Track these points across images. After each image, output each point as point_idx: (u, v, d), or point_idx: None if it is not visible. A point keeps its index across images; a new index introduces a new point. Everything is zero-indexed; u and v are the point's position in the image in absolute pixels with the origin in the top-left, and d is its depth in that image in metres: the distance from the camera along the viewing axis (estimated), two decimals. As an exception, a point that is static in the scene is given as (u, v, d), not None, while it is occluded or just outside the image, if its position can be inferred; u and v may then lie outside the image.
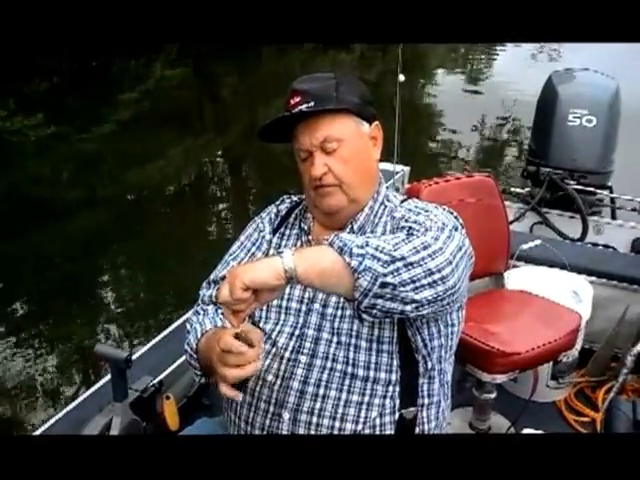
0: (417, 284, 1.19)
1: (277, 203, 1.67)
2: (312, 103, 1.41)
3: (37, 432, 1.80)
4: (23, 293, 4.69)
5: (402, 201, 1.54)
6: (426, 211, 1.41)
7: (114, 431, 1.62)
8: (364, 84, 1.55)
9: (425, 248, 1.20)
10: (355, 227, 1.48)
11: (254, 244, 1.60)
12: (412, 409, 1.43)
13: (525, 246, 2.76)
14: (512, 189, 3.91)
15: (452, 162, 7.14)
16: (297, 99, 1.43)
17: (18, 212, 5.72)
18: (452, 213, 1.44)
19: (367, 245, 1.18)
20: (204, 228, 5.73)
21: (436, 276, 1.20)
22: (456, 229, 1.32)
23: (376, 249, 1.18)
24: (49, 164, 6.89)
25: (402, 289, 1.18)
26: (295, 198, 1.66)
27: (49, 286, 4.71)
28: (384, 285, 1.17)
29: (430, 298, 1.21)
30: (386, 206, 1.52)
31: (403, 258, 1.18)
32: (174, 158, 7.05)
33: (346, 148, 1.44)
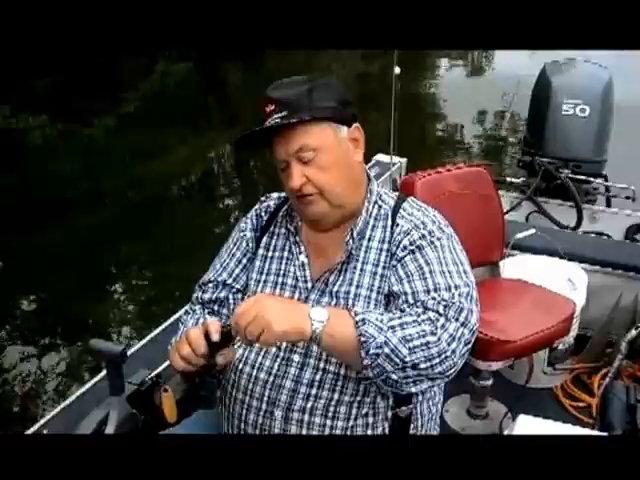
0: (419, 379, 1.29)
1: (262, 200, 1.66)
2: (285, 112, 1.39)
3: (33, 428, 1.82)
4: (31, 289, 4.73)
5: (397, 202, 1.52)
6: (433, 244, 1.41)
7: (111, 425, 1.62)
8: (341, 84, 1.50)
9: (440, 355, 1.27)
10: (355, 233, 1.47)
11: (235, 244, 1.61)
12: (406, 408, 1.44)
13: (520, 235, 2.77)
14: (508, 179, 3.92)
15: (451, 153, 7.13)
16: (271, 107, 1.41)
17: (26, 209, 5.73)
18: (458, 247, 1.45)
19: (386, 344, 1.24)
20: (211, 223, 5.73)
21: (438, 377, 1.30)
22: (471, 297, 1.36)
23: (392, 350, 1.25)
24: (55, 161, 6.88)
25: (404, 383, 1.29)
26: (283, 194, 1.64)
27: (58, 282, 4.73)
28: (388, 378, 1.27)
29: (426, 387, 1.34)
30: (380, 206, 1.51)
31: (414, 366, 1.26)
32: (180, 154, 7.03)
33: (323, 156, 1.42)
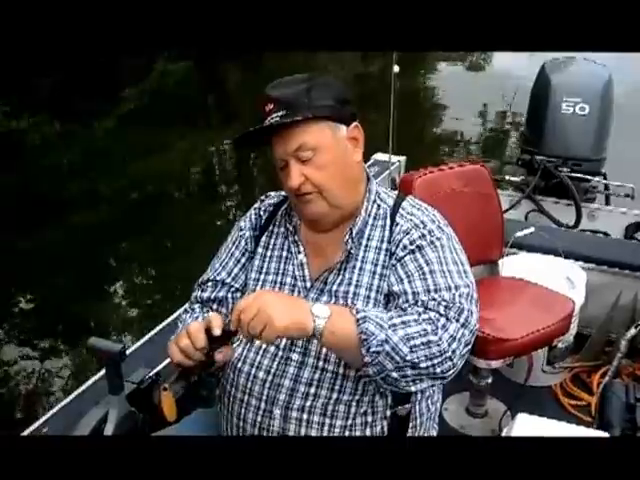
0: (418, 378, 1.29)
1: (262, 199, 1.66)
2: (284, 112, 1.39)
3: (33, 426, 1.82)
4: (31, 287, 4.74)
5: (396, 201, 1.52)
6: (433, 244, 1.41)
7: (110, 423, 1.63)
8: (340, 82, 1.50)
9: (440, 355, 1.27)
10: (354, 233, 1.47)
11: (234, 243, 1.62)
12: (405, 406, 1.44)
13: (519, 233, 2.77)
14: (507, 177, 3.92)
15: (452, 151, 7.13)
16: (270, 106, 1.41)
17: (26, 208, 5.75)
18: (457, 248, 1.45)
19: (386, 342, 1.24)
20: (211, 222, 5.74)
21: (438, 377, 1.30)
22: (471, 298, 1.37)
23: (393, 348, 1.25)
24: (55, 160, 6.88)
25: (403, 382, 1.28)
26: (282, 193, 1.64)
27: (58, 280, 4.74)
28: (387, 377, 1.27)
29: (425, 387, 1.34)
30: (379, 205, 1.51)
31: (414, 365, 1.26)
32: (180, 152, 7.04)
33: (322, 155, 1.41)
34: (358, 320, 1.26)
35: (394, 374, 1.27)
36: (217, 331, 1.28)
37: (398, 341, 1.25)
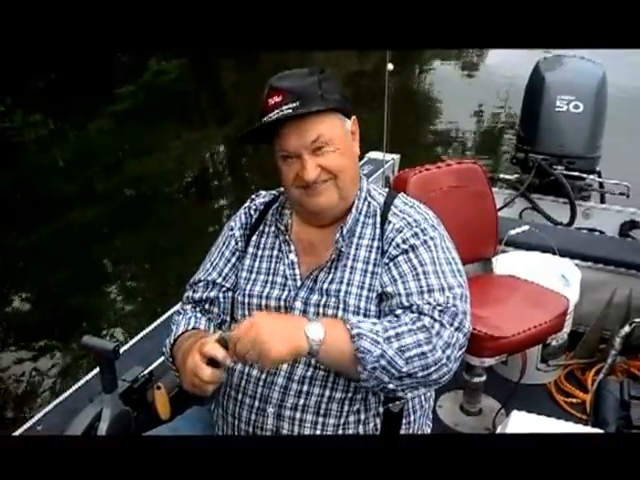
0: (415, 386, 1.31)
1: (252, 198, 1.65)
2: (297, 103, 1.36)
3: (27, 424, 1.81)
4: (26, 285, 4.75)
5: (387, 199, 1.51)
6: (426, 244, 1.41)
7: (104, 422, 1.62)
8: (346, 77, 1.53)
9: (436, 363, 1.28)
10: (344, 231, 1.46)
11: (224, 243, 1.61)
12: (398, 402, 1.44)
13: (513, 231, 2.77)
14: (501, 175, 3.92)
15: (446, 149, 7.14)
16: (278, 98, 1.37)
17: (21, 207, 5.75)
18: (450, 248, 1.45)
19: (382, 357, 1.26)
20: (204, 221, 5.73)
21: (434, 383, 1.32)
22: (465, 298, 1.37)
23: (389, 362, 1.26)
24: (49, 160, 6.87)
25: (400, 391, 1.32)
26: (272, 192, 1.64)
27: (53, 278, 4.73)
28: (384, 387, 1.30)
29: (422, 392, 1.39)
30: (370, 203, 1.51)
31: (411, 375, 1.28)
32: (174, 151, 7.04)
33: (336, 146, 1.41)
34: (353, 337, 1.27)
35: (391, 385, 1.29)
36: (229, 361, 1.27)
37: (394, 355, 1.26)
